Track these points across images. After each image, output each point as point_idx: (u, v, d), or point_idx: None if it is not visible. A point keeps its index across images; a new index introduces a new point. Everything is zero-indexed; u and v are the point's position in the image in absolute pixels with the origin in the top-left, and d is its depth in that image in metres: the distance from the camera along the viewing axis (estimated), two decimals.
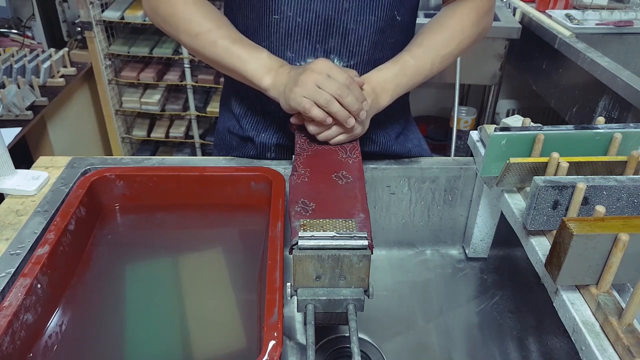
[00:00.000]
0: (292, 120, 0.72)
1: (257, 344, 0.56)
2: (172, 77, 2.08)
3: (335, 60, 0.76)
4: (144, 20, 1.95)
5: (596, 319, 0.47)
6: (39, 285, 0.56)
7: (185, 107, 2.15)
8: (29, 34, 2.11)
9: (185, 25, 0.74)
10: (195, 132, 2.18)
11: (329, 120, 0.67)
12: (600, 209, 0.49)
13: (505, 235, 0.82)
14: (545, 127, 0.62)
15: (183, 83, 2.08)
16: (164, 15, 0.76)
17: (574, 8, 1.81)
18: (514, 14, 1.85)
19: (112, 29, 2.05)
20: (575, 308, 0.49)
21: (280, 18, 0.73)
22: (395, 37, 0.78)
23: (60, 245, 0.61)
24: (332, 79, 0.66)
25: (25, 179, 0.74)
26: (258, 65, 0.71)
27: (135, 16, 1.94)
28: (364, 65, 0.77)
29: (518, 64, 1.93)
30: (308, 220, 0.55)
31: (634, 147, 0.62)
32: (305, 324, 0.52)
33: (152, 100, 2.10)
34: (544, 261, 0.52)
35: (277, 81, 0.70)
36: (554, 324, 0.75)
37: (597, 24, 1.67)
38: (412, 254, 0.87)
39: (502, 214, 0.78)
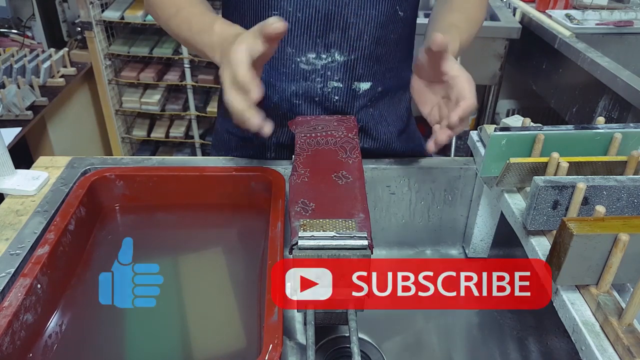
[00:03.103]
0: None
1: (257, 344, 0.56)
2: (172, 77, 2.08)
3: (337, 55, 0.76)
4: (144, 20, 1.95)
5: (596, 319, 0.47)
6: (39, 285, 0.56)
7: (185, 107, 2.15)
8: (29, 34, 2.11)
9: (161, 11, 0.75)
10: (195, 132, 2.18)
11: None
12: (600, 209, 0.49)
13: (505, 235, 0.82)
14: (545, 127, 0.62)
15: (183, 83, 2.08)
16: (152, 5, 0.77)
17: (574, 8, 1.81)
18: (514, 14, 1.86)
19: (112, 29, 2.05)
20: (575, 308, 0.49)
21: (280, 14, 0.73)
22: (398, 33, 0.78)
23: (60, 245, 0.61)
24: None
25: (25, 179, 0.74)
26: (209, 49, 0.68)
27: (135, 16, 1.94)
28: (366, 60, 0.77)
29: (518, 64, 1.93)
30: (308, 220, 0.55)
31: (634, 147, 0.61)
32: (305, 324, 0.52)
33: (152, 100, 2.10)
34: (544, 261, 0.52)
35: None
36: (554, 324, 0.75)
37: (597, 24, 1.67)
38: (412, 254, 0.87)
39: (502, 214, 0.78)
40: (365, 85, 0.79)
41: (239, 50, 0.57)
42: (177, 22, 0.73)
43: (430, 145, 0.66)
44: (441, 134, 0.64)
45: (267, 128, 0.59)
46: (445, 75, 0.65)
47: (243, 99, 0.56)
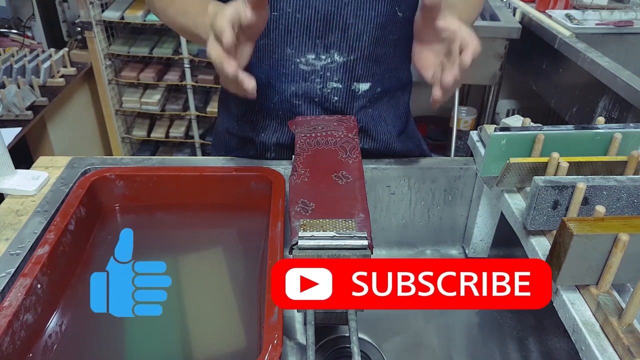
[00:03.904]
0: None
1: (257, 344, 0.56)
2: (172, 77, 2.08)
3: (336, 55, 0.76)
4: (144, 20, 1.95)
5: (596, 319, 0.47)
6: (39, 285, 0.56)
7: (185, 107, 2.15)
8: (29, 34, 2.11)
9: (158, 2, 0.78)
10: (195, 132, 2.19)
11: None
12: (600, 209, 0.49)
13: (505, 235, 0.82)
14: (545, 127, 0.62)
15: (183, 83, 2.08)
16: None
17: (574, 8, 1.81)
18: (514, 14, 1.85)
19: (112, 29, 2.05)
20: (575, 308, 0.49)
21: (280, 15, 0.73)
22: (397, 33, 0.78)
23: (60, 245, 0.61)
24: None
25: (25, 179, 0.74)
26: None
27: (135, 16, 1.94)
28: (365, 60, 0.77)
29: (518, 64, 1.93)
30: (308, 220, 0.55)
31: (634, 147, 0.62)
32: (305, 324, 0.52)
33: (152, 100, 2.10)
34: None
35: None
36: (554, 324, 0.75)
37: (597, 24, 1.67)
38: (412, 254, 0.87)
39: (502, 214, 0.78)
40: (364, 86, 0.79)
41: (226, 11, 0.57)
42: (173, 10, 0.75)
43: (437, 91, 0.62)
44: (447, 75, 0.61)
45: (249, 83, 0.58)
46: (445, 32, 0.62)
47: (220, 49, 0.56)
